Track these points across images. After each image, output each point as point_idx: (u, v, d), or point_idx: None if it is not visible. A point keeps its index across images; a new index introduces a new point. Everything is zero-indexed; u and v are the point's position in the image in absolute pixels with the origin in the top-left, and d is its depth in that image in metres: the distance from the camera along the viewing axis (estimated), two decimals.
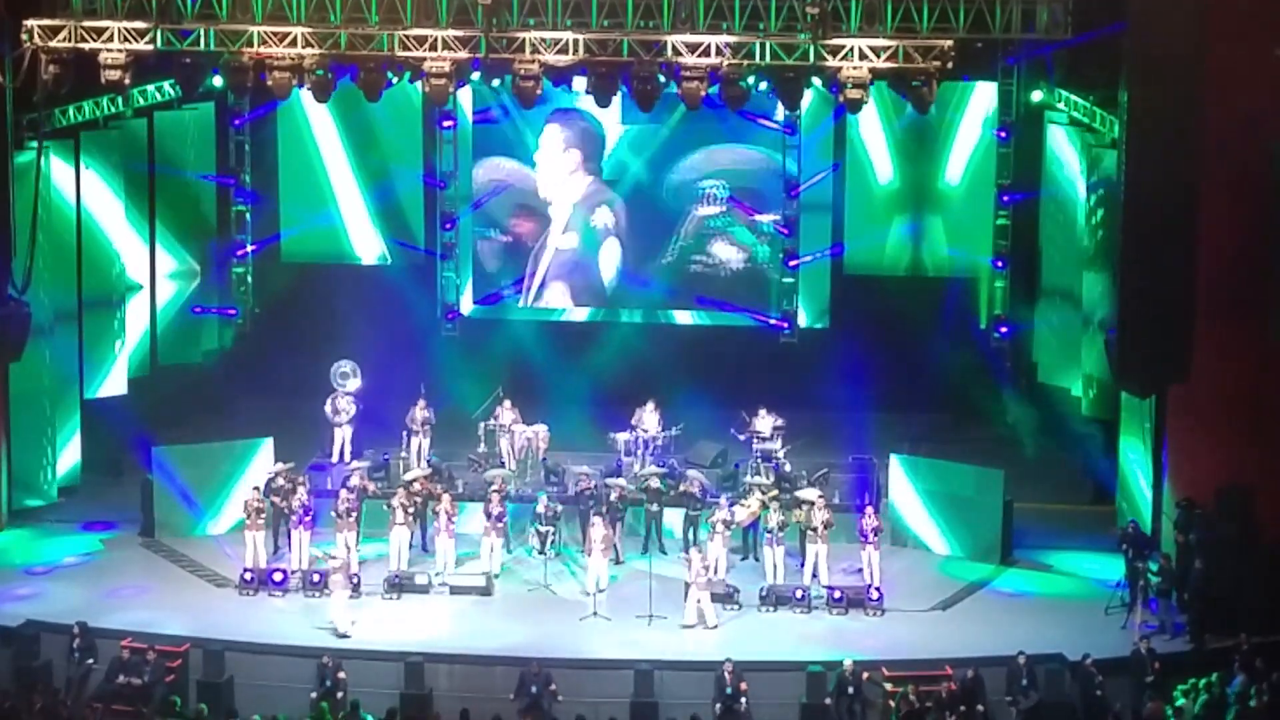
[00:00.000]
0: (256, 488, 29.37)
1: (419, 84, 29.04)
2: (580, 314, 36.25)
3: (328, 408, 32.05)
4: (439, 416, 31.86)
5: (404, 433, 31.55)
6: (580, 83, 29.57)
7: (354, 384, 32.21)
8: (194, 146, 34.67)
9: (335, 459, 31.90)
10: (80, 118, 31.63)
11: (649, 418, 31.48)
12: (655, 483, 30.21)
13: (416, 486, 29.65)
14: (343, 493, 29.18)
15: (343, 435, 32.02)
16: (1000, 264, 34.80)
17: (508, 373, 33.57)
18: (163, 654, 25.90)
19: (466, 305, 36.39)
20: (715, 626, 27.38)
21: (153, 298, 34.06)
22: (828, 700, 25.53)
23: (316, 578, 28.41)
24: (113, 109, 32.45)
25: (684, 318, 36.17)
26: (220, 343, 36.02)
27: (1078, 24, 28.13)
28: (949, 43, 27.42)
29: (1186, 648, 26.76)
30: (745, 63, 27.80)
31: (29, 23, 28.02)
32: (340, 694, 25.32)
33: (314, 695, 25.37)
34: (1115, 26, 28.06)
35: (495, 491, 29.39)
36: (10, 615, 27.36)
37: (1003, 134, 34.28)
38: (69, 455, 31.77)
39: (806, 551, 28.76)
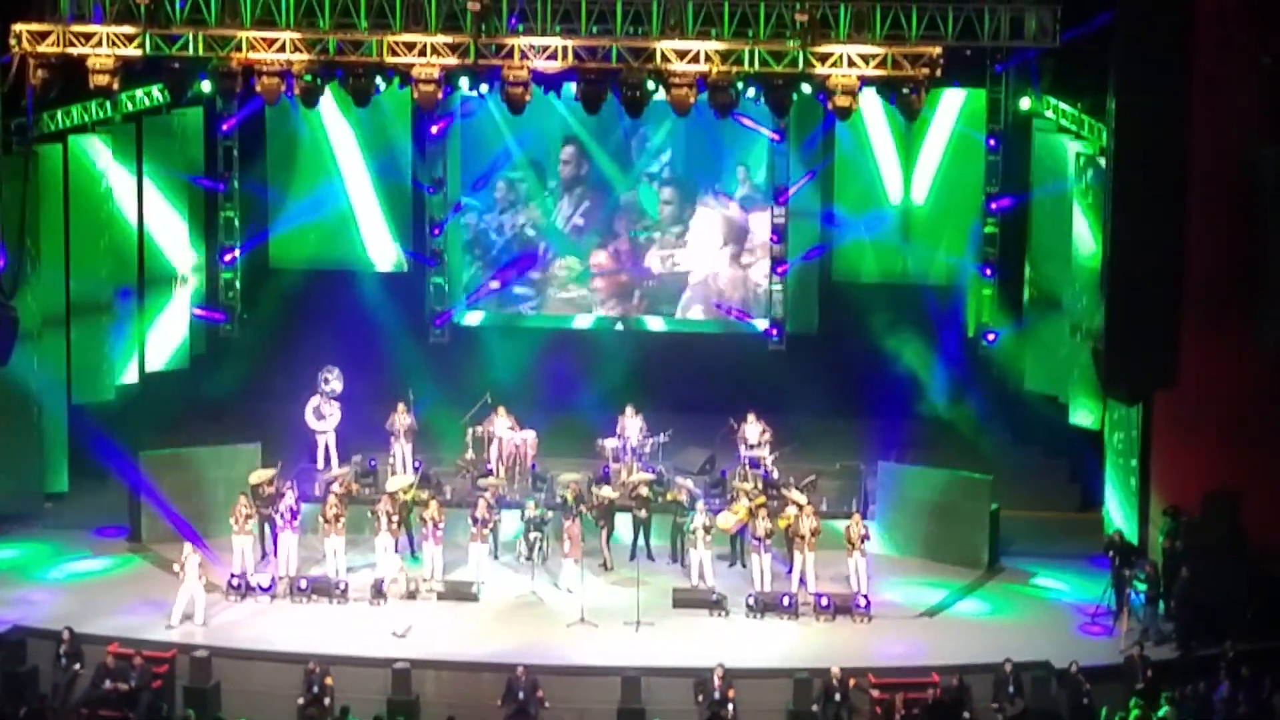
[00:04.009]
0: (244, 493, 29.34)
1: (408, 89, 29.00)
2: (568, 321, 36.29)
3: (310, 414, 31.97)
4: (427, 423, 31.84)
5: (390, 438, 31.56)
6: (570, 89, 29.58)
7: (336, 388, 32.13)
8: (182, 151, 34.66)
9: (321, 465, 31.86)
10: (69, 122, 31.59)
11: (630, 423, 31.47)
12: (644, 490, 30.22)
13: (402, 495, 29.66)
14: (330, 498, 29.17)
15: (326, 441, 31.97)
16: (988, 271, 34.86)
17: (496, 379, 33.56)
18: (149, 659, 25.86)
19: (472, 317, 36.51)
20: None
21: (141, 303, 34.01)
22: (814, 707, 25.55)
23: (304, 584, 28.41)
24: (101, 114, 32.43)
25: (672, 325, 36.20)
26: (208, 348, 35.98)
27: (1066, 28, 28.17)
28: (937, 50, 27.46)
29: (1173, 655, 26.78)
30: (734, 69, 27.81)
31: (17, 27, 27.99)
32: (327, 700, 25.33)
33: (301, 701, 25.40)
34: (1102, 17, 28.13)
35: (482, 498, 29.37)
36: None
37: (991, 141, 34.36)
38: (57, 461, 31.68)
39: (794, 558, 28.78)
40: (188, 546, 28.00)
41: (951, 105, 34.37)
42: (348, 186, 35.93)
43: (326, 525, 28.95)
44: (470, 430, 31.75)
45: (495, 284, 36.30)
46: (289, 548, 28.96)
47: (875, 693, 25.61)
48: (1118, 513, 30.06)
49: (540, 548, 29.29)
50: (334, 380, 32.26)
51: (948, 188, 35.02)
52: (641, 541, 30.06)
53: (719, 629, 27.85)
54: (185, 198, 34.89)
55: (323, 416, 32.00)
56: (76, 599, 28.45)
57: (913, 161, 34.98)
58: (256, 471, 30.18)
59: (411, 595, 28.35)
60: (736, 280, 36.12)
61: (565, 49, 27.88)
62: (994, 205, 34.61)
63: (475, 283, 36.45)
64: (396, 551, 29.25)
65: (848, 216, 35.40)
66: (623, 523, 30.15)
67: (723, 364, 35.42)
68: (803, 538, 28.59)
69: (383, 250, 36.15)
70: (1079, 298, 31.22)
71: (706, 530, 28.83)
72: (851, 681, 25.59)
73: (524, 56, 27.93)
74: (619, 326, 36.23)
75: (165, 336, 34.67)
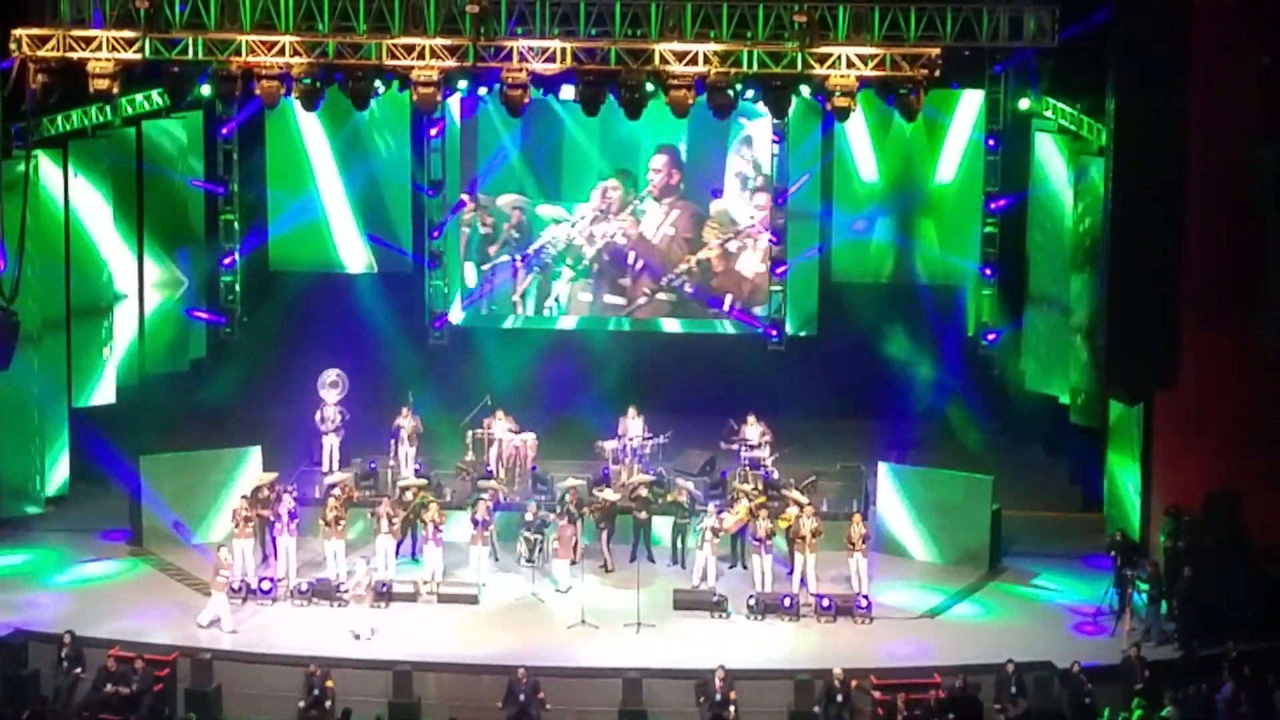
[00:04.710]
0: (244, 496, 29.34)
1: (407, 92, 29.01)
2: (568, 322, 36.28)
3: (317, 416, 32.02)
4: (426, 425, 31.84)
5: (391, 440, 31.56)
6: (568, 91, 29.60)
7: (340, 393, 32.14)
8: (182, 155, 34.64)
9: (326, 467, 31.86)
10: (69, 126, 31.57)
11: (632, 424, 31.46)
12: (644, 491, 30.22)
13: (409, 496, 29.69)
14: (330, 501, 29.17)
15: (330, 444, 31.96)
16: (988, 272, 34.86)
17: (495, 381, 33.56)
18: (151, 663, 25.88)
19: (455, 314, 36.45)
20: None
21: (141, 306, 34.01)
22: (816, 708, 25.57)
23: (305, 587, 28.41)
24: (101, 118, 32.41)
25: (672, 325, 36.21)
26: (208, 351, 35.97)
27: (1064, 26, 28.19)
28: (936, 51, 27.49)
29: (1175, 655, 26.78)
30: (732, 71, 27.83)
31: (17, 32, 28.03)
32: (328, 703, 25.36)
33: (302, 704, 25.41)
34: (1100, 14, 28.17)
35: (481, 500, 29.38)
36: None
37: (990, 142, 34.37)
38: (58, 464, 31.69)
39: (795, 559, 28.77)
40: (224, 550, 28.12)
41: (950, 106, 34.33)
42: (348, 189, 35.89)
43: (327, 528, 28.96)
44: (470, 432, 31.75)
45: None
46: (288, 551, 28.96)
47: (877, 694, 25.59)
48: (1118, 513, 30.09)
49: (540, 549, 29.29)
50: (336, 385, 32.23)
51: (948, 187, 35.01)
52: (642, 543, 30.05)
53: (720, 630, 27.85)
54: (184, 201, 34.84)
55: (325, 420, 32.00)
56: (80, 603, 28.43)
57: (912, 162, 34.94)
58: (256, 475, 30.17)
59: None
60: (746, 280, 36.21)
61: (564, 51, 27.90)
62: (993, 205, 34.62)
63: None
64: (398, 555, 29.29)
65: (846, 216, 35.39)
66: (623, 525, 30.17)
67: (722, 365, 35.41)
68: (803, 539, 28.59)
69: (382, 253, 36.11)
70: (1079, 297, 31.22)
71: (715, 533, 28.83)
72: (853, 683, 25.59)
73: (523, 59, 27.96)
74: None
75: (165, 339, 34.65)
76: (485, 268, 36.21)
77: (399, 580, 28.65)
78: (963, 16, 27.68)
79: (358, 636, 27.23)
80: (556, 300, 36.31)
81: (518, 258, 36.09)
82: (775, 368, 35.37)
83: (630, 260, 36.04)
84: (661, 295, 36.09)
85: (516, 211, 35.98)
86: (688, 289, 35.99)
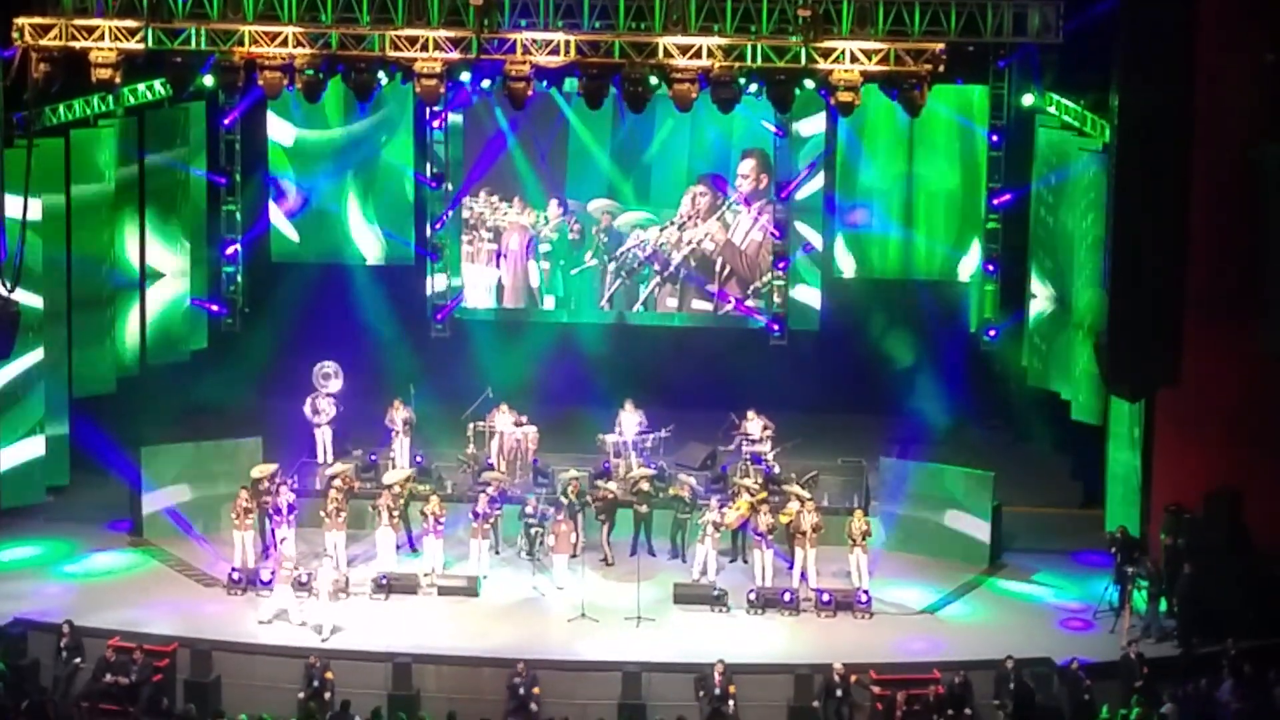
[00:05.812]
0: (245, 487, 29.32)
1: (410, 84, 28.98)
2: (570, 315, 36.21)
3: (307, 408, 31.98)
4: (427, 417, 31.82)
5: (390, 433, 31.55)
6: (571, 84, 29.54)
7: (335, 385, 32.14)
8: (184, 145, 34.60)
9: (321, 460, 31.83)
10: (71, 116, 31.55)
11: (628, 418, 31.46)
12: (645, 485, 30.20)
13: (397, 489, 29.65)
14: (331, 492, 29.16)
15: (323, 436, 31.94)
16: (990, 267, 34.83)
17: (497, 374, 33.53)
18: (150, 653, 25.88)
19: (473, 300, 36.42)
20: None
21: (142, 297, 33.98)
22: (815, 703, 25.57)
23: (305, 578, 28.39)
24: (103, 107, 32.38)
25: (675, 319, 36.15)
26: (209, 342, 35.94)
27: (1068, 20, 28.17)
28: (940, 46, 27.43)
29: (1175, 652, 26.79)
30: (736, 65, 27.80)
31: (19, 21, 27.97)
32: (328, 694, 25.36)
33: (301, 695, 25.41)
34: (1103, 5, 28.16)
35: (483, 492, 29.37)
36: None
37: (994, 137, 34.33)
38: (58, 454, 31.65)
39: (795, 554, 28.77)
40: (285, 544, 28.32)
41: (953, 101, 34.26)
42: (350, 180, 35.87)
43: (327, 520, 28.95)
44: (471, 425, 31.73)
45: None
46: (287, 542, 28.91)
47: (876, 689, 25.61)
48: (1119, 510, 30.03)
49: (541, 543, 29.29)
50: (332, 376, 32.22)
51: (951, 183, 34.98)
52: (642, 537, 30.04)
53: (720, 624, 27.85)
54: (186, 191, 34.81)
55: (318, 411, 31.99)
56: (80, 593, 28.44)
57: (915, 157, 34.91)
58: (257, 466, 30.17)
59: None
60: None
61: (567, 44, 27.85)
62: (996, 201, 34.59)
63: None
64: (399, 548, 29.29)
65: (849, 211, 35.35)
66: (623, 518, 30.15)
67: (724, 359, 35.39)
68: (804, 533, 28.59)
69: (384, 244, 36.07)
70: (1082, 294, 31.19)
71: (716, 527, 28.82)
72: (853, 677, 25.60)
73: (526, 51, 27.90)
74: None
75: (166, 330, 34.61)
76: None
77: (398, 573, 28.65)
78: (967, 12, 27.64)
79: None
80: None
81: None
82: (777, 362, 35.36)
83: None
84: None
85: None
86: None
